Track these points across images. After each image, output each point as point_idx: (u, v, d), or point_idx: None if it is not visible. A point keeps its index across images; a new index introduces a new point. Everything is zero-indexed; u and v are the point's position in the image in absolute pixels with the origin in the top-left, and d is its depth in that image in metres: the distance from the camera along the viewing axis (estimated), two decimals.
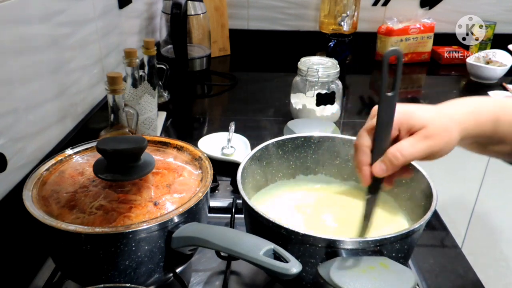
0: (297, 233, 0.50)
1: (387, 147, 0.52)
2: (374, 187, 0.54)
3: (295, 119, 1.09)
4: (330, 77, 1.10)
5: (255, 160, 0.67)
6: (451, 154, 0.53)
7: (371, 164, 0.53)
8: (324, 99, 1.11)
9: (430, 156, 0.52)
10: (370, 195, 0.55)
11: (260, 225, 0.55)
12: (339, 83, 1.14)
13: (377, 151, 0.52)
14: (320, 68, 1.09)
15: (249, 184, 0.66)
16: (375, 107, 0.52)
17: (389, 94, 0.49)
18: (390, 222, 0.65)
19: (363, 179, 0.54)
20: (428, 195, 0.58)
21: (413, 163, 0.62)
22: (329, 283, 0.46)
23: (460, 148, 0.62)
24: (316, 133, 0.72)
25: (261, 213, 0.53)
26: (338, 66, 1.12)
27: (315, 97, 1.10)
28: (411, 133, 0.52)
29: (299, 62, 1.13)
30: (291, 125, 1.00)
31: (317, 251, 0.51)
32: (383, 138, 0.52)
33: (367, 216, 0.55)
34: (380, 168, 0.52)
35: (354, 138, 0.65)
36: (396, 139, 0.52)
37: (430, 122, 0.51)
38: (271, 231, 0.52)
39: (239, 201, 0.81)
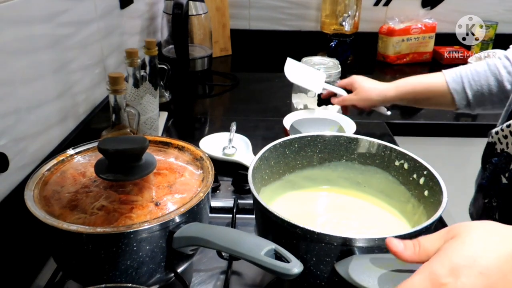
0: (313, 232, 0.50)
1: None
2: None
3: (300, 118, 1.09)
4: (331, 77, 1.10)
5: (264, 160, 0.67)
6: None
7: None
8: (325, 99, 1.11)
9: (358, 103, 1.06)
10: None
11: (273, 225, 0.54)
12: None
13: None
14: (322, 68, 1.09)
15: (258, 184, 0.66)
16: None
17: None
18: (399, 221, 0.65)
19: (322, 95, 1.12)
20: (438, 192, 0.59)
21: (426, 165, 0.63)
22: (348, 280, 0.46)
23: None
24: (322, 132, 0.71)
25: (276, 213, 0.52)
26: (339, 66, 1.12)
27: (316, 97, 1.10)
28: (355, 92, 1.07)
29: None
30: (296, 125, 0.99)
31: (332, 249, 0.50)
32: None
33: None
34: (333, 101, 1.09)
35: (359, 136, 0.70)
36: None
37: (363, 89, 1.05)
38: (286, 231, 0.52)
39: (240, 201, 0.81)
